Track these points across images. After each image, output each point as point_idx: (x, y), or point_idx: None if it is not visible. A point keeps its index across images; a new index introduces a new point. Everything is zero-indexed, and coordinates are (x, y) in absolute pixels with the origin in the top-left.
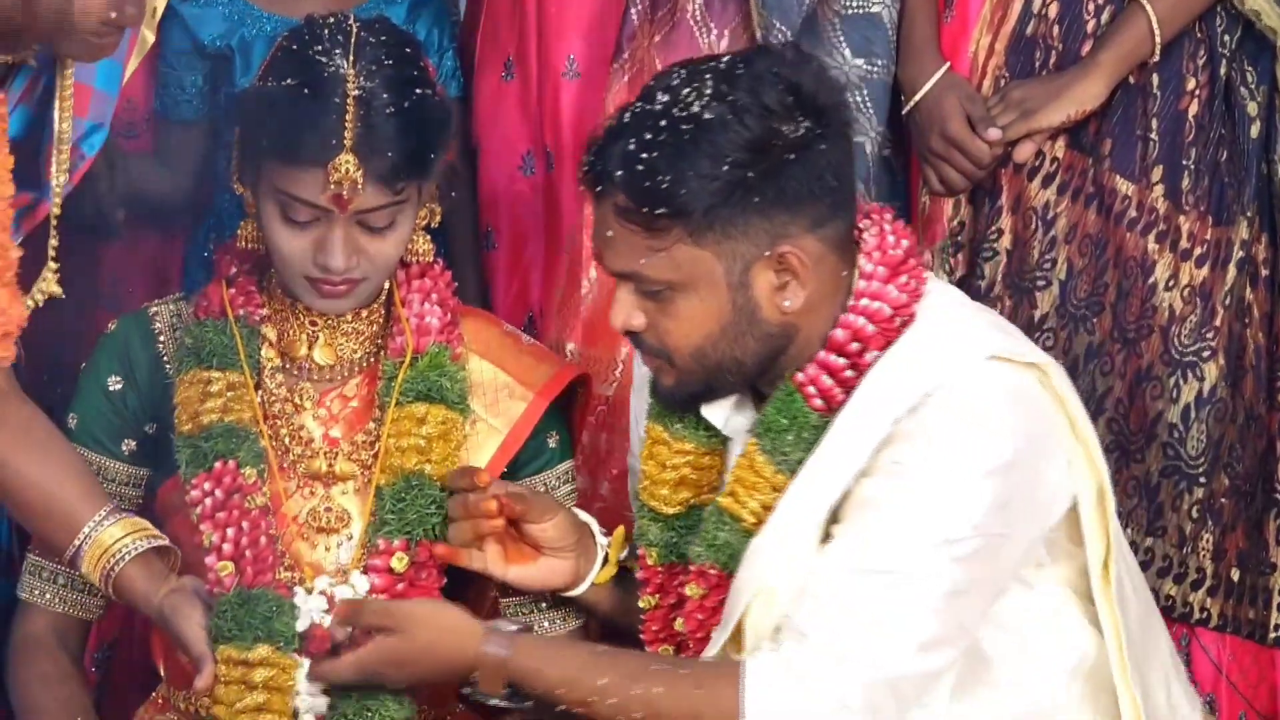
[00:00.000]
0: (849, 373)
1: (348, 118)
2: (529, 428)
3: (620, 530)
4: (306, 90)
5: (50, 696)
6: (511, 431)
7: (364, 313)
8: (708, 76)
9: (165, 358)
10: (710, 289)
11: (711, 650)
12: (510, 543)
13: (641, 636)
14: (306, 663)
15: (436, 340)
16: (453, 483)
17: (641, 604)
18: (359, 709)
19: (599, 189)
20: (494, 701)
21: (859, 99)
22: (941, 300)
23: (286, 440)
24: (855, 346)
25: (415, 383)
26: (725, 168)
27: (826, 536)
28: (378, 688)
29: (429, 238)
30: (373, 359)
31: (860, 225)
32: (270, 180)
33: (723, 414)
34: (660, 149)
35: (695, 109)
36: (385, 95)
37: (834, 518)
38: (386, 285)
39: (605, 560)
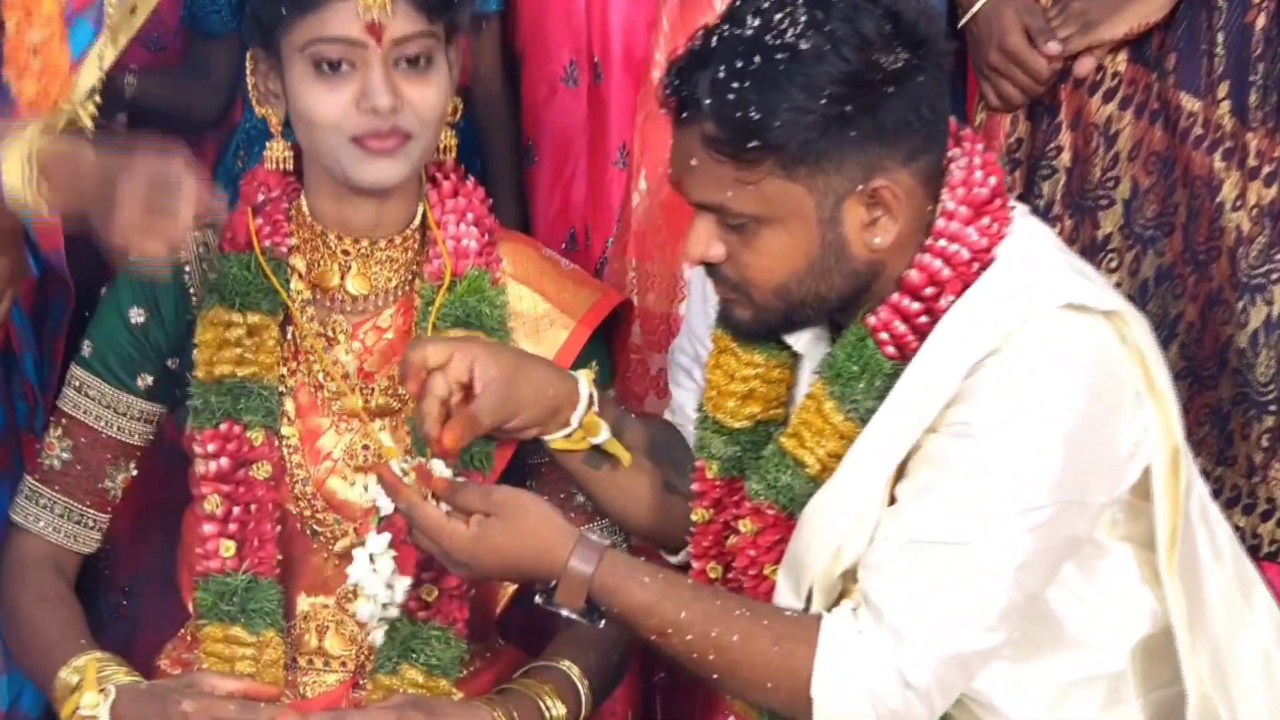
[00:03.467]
0: (923, 318)
1: None
2: (571, 358)
3: (589, 372)
4: None
5: (49, 616)
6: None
7: (397, 239)
8: (800, 1)
9: (192, 289)
10: (799, 224)
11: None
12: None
13: (689, 551)
14: (382, 544)
15: (475, 263)
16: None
17: (695, 517)
18: (404, 648)
19: (684, 115)
20: (567, 613)
21: None
22: (1023, 242)
23: (320, 376)
24: (930, 291)
25: (453, 308)
26: (822, 101)
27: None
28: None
29: (453, 133)
30: (408, 287)
31: (950, 155)
32: (295, 42)
33: (796, 334)
34: (753, 79)
35: (789, 38)
36: None
37: (899, 473)
38: (420, 210)
39: (591, 402)
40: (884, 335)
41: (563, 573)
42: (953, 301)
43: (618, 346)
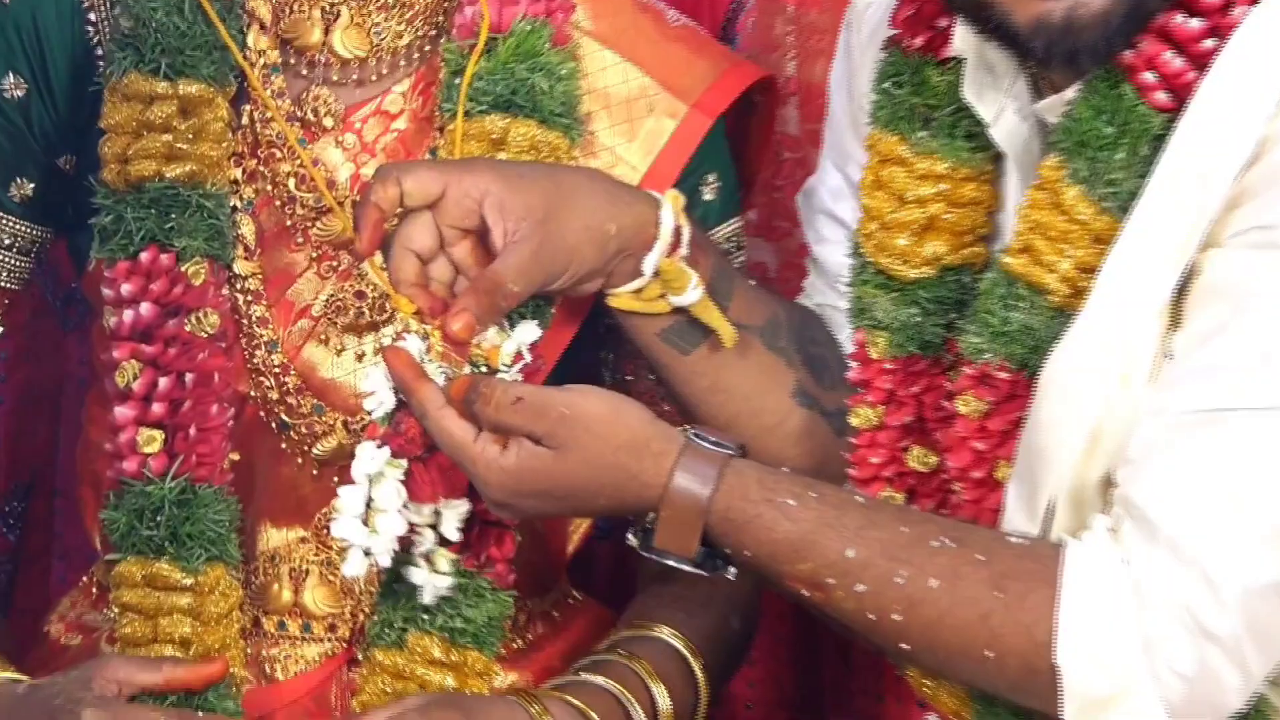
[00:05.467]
0: (1207, 42)
1: None
2: (680, 161)
3: (676, 196)
4: None
5: None
6: (652, 168)
7: None
8: None
9: (98, 49)
10: None
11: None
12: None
13: (851, 474)
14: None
15: (529, 11)
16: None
17: (855, 420)
18: (414, 607)
19: None
20: (673, 562)
21: None
22: None
23: (292, 184)
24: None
25: (493, 81)
26: None
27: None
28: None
29: None
30: (429, 48)
31: None
32: None
33: (995, 106)
34: None
35: None
36: None
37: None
38: None
39: (677, 240)
40: (1148, 77)
41: (663, 500)
42: (1244, 15)
43: (753, 150)
